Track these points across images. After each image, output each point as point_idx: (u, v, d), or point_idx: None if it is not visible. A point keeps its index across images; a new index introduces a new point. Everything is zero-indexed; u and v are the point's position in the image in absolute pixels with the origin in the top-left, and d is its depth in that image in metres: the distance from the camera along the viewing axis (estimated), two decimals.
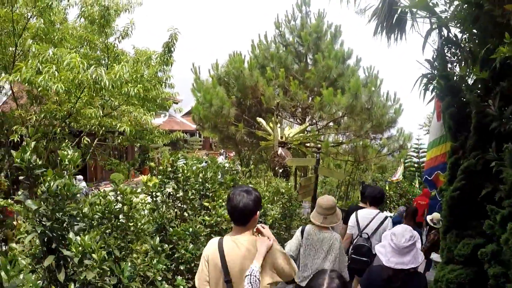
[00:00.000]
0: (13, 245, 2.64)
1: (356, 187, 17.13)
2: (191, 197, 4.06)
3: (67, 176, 2.38)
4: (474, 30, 3.64)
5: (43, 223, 2.27)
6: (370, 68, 12.52)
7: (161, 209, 3.85)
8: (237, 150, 14.94)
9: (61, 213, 2.31)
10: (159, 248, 3.12)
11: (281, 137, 10.64)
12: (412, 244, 2.65)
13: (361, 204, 5.30)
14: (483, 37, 3.48)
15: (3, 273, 1.80)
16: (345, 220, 4.86)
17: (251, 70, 12.17)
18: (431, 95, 4.40)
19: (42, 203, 2.27)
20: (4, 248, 5.00)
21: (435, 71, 4.01)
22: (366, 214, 4.65)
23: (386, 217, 4.63)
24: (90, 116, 7.03)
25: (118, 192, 3.08)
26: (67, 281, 2.32)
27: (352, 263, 4.38)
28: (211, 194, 4.38)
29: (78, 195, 2.50)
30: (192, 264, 3.56)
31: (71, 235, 2.28)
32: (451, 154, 3.75)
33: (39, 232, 2.26)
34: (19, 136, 6.54)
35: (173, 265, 3.49)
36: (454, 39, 3.98)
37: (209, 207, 4.21)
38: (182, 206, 4.11)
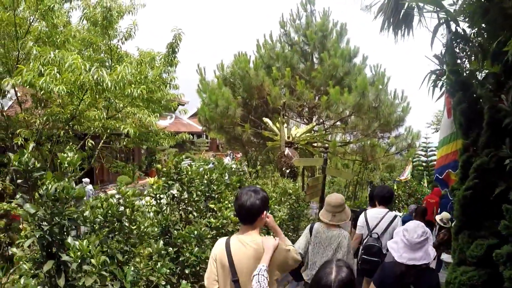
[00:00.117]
0: (14, 249, 2.59)
1: (364, 187, 17.02)
2: (196, 199, 3.99)
3: (66, 179, 2.33)
4: (484, 24, 3.54)
5: (42, 227, 2.22)
6: (377, 66, 12.42)
7: (165, 212, 3.79)
8: (244, 151, 14.90)
9: (60, 217, 2.25)
10: (163, 252, 3.08)
11: (288, 137, 10.55)
12: (424, 240, 2.67)
13: (369, 208, 5.20)
14: (493, 30, 3.39)
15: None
16: (354, 224, 4.76)
17: (257, 70, 12.12)
18: (440, 92, 4.31)
19: (41, 206, 2.22)
20: (10, 252, 4.99)
21: (445, 67, 3.92)
22: (375, 214, 4.56)
23: (395, 216, 4.54)
24: (94, 118, 7.02)
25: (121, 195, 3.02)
26: (67, 286, 2.26)
27: (362, 264, 4.31)
28: (217, 196, 4.30)
29: (84, 198, 2.45)
30: (198, 268, 3.49)
31: (69, 239, 2.22)
32: (463, 152, 3.67)
33: (38, 236, 2.20)
34: (23, 139, 6.52)
35: (178, 268, 3.43)
36: (463, 33, 3.88)
37: (215, 209, 4.13)
38: (187, 208, 4.05)
